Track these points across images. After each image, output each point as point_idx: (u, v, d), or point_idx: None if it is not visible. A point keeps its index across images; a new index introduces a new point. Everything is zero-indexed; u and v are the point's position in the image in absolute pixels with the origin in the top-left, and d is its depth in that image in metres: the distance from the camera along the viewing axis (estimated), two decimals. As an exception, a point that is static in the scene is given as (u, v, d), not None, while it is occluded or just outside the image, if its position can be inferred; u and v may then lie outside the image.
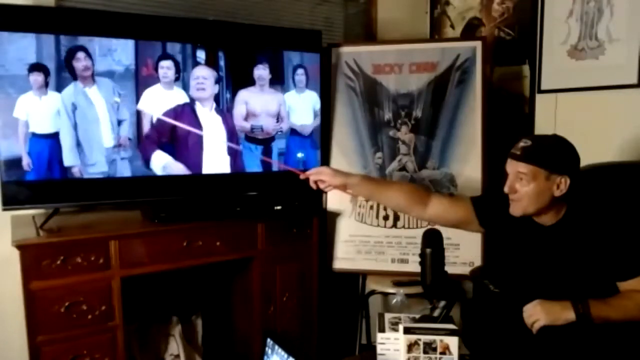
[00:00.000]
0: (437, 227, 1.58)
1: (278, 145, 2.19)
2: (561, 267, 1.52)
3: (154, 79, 1.90)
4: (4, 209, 1.72)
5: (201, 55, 1.98)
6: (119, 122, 1.85)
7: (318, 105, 2.27)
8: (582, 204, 1.52)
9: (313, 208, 2.35)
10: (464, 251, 2.28)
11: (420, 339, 1.44)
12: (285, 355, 1.68)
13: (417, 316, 1.65)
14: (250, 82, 2.10)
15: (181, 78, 1.94)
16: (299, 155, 2.24)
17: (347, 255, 2.39)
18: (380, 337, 1.56)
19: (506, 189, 1.51)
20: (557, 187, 1.45)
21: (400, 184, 1.78)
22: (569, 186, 1.45)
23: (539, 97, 2.45)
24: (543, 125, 2.42)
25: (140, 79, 1.87)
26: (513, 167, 1.50)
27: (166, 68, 1.90)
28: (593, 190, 1.58)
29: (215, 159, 2.05)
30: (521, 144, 1.49)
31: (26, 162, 1.70)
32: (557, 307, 1.42)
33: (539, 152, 1.46)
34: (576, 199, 1.51)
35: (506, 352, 1.60)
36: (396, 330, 1.53)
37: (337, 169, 1.76)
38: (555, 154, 1.46)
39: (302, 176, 1.72)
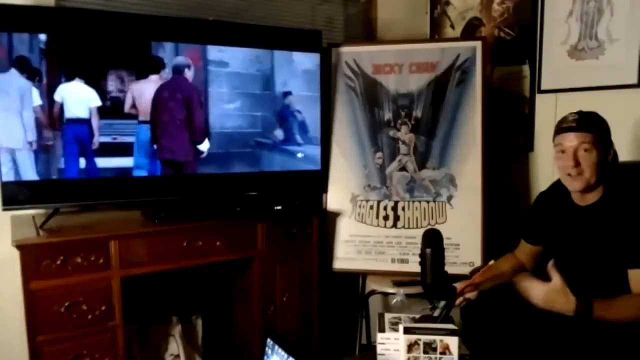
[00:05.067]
0: (436, 227, 1.59)
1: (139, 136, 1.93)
2: (591, 249, 1.55)
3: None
4: (4, 209, 1.72)
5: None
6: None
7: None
8: (620, 187, 1.56)
9: (313, 208, 2.36)
10: (464, 251, 2.29)
11: (420, 339, 1.44)
12: (285, 355, 1.68)
13: (417, 316, 1.65)
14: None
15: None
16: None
17: (347, 255, 2.39)
18: (380, 337, 1.56)
19: (570, 163, 1.52)
20: (609, 155, 1.53)
21: (500, 266, 1.82)
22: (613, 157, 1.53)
23: (539, 97, 2.45)
24: (543, 125, 2.42)
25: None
26: (572, 140, 1.52)
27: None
28: (626, 178, 1.62)
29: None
30: (571, 117, 1.55)
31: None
32: (560, 298, 1.43)
33: (593, 122, 1.53)
34: (613, 179, 1.56)
35: (506, 352, 1.60)
36: (396, 330, 1.53)
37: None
38: (602, 122, 1.54)
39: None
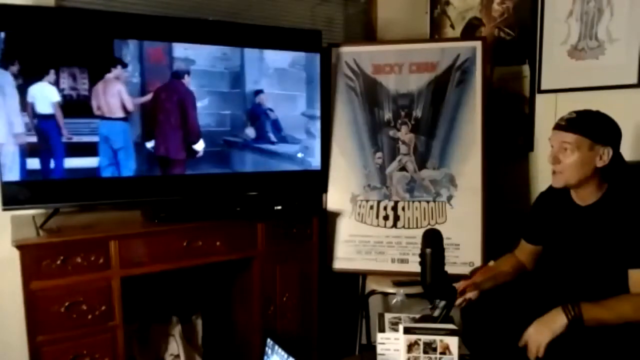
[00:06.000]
0: (436, 227, 1.59)
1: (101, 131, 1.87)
2: (591, 249, 1.55)
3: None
4: (4, 209, 1.72)
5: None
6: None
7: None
8: (622, 187, 1.56)
9: (313, 208, 2.36)
10: (464, 251, 2.29)
11: (420, 339, 1.44)
12: (285, 355, 1.69)
13: (417, 316, 1.66)
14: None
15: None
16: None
17: (347, 255, 2.40)
18: (380, 337, 1.56)
19: (550, 160, 1.57)
20: (600, 158, 1.51)
21: (500, 267, 1.83)
22: (611, 158, 1.51)
23: (539, 97, 2.45)
24: (543, 125, 2.42)
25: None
26: (557, 138, 1.56)
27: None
28: (633, 177, 1.61)
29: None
30: (567, 116, 1.56)
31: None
32: (549, 319, 1.43)
33: (583, 122, 1.53)
34: (617, 180, 1.56)
35: (506, 352, 1.60)
36: (396, 330, 1.53)
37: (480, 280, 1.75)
38: (599, 124, 1.53)
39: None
